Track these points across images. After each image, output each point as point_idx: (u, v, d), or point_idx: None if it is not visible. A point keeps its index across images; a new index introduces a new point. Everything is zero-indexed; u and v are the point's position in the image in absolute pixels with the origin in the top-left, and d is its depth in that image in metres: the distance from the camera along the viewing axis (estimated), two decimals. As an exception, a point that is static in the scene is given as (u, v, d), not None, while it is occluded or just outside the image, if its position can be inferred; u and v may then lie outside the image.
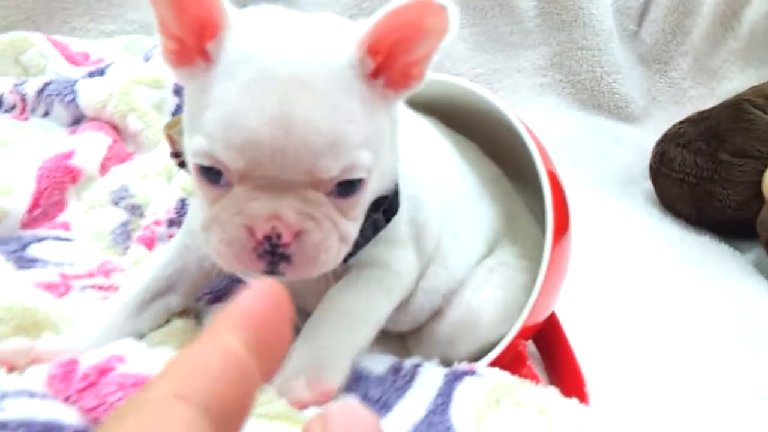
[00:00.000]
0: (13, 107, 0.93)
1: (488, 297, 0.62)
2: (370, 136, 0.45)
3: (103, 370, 0.49)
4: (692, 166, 0.98)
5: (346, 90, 0.44)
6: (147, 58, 1.01)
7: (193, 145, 0.44)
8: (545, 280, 0.60)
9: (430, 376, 0.55)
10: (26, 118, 0.92)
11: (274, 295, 0.25)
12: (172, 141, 0.57)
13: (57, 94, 0.91)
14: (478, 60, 1.32)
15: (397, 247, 0.57)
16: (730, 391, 0.70)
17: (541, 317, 0.65)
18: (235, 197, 0.44)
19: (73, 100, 0.90)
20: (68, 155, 0.79)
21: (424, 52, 0.45)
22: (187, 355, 0.23)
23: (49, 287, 0.64)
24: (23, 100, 0.92)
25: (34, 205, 0.73)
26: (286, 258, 0.44)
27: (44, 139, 0.85)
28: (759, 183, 0.94)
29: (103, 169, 0.83)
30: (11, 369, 0.51)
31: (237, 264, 0.45)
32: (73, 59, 1.02)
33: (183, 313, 0.63)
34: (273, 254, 0.44)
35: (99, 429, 0.21)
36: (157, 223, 0.75)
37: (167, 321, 0.61)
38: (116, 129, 0.89)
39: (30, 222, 0.73)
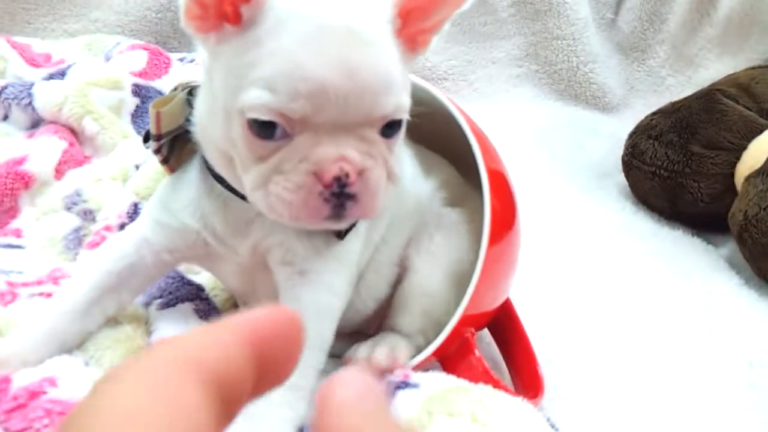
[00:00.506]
0: (-29, 111, 0.92)
1: (441, 238, 0.63)
2: (405, 81, 0.49)
3: (34, 393, 0.48)
4: (663, 159, 0.96)
5: (389, 40, 0.47)
6: (108, 58, 1.00)
7: (249, 100, 0.45)
8: (484, 271, 0.58)
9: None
10: (-15, 122, 0.91)
11: (288, 320, 0.24)
12: (159, 121, 0.54)
13: (14, 98, 0.89)
14: (452, 52, 1.30)
15: (341, 262, 0.57)
16: (693, 392, 0.69)
17: (486, 307, 0.64)
18: (297, 146, 0.45)
19: (30, 103, 0.88)
20: (20, 161, 0.78)
21: (437, 20, 0.50)
22: (197, 332, 0.22)
23: None
24: (-19, 103, 0.91)
25: (-17, 213, 0.72)
26: (351, 197, 0.46)
27: (2, 144, 0.84)
28: (731, 176, 0.92)
29: (59, 173, 0.82)
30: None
31: (304, 211, 0.46)
32: (33, 61, 1.00)
33: (133, 319, 0.62)
34: (339, 196, 0.46)
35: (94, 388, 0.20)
36: (107, 228, 0.73)
37: (118, 323, 0.60)
38: (74, 132, 0.88)
39: (-20, 230, 0.73)
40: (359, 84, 0.44)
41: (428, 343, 0.61)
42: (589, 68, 1.31)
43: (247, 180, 0.48)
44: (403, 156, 0.65)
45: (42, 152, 0.81)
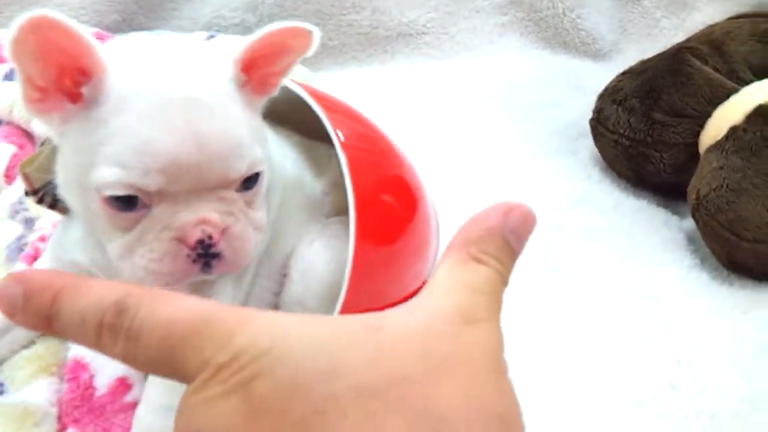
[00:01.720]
0: (-65, 114, 0.95)
1: (319, 249, 0.63)
2: (255, 134, 0.51)
3: None
4: (626, 127, 0.90)
5: (232, 100, 0.49)
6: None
7: (103, 178, 0.46)
8: (355, 273, 0.57)
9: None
10: (-55, 125, 0.94)
11: None
12: (29, 180, 0.57)
13: (-32, 101, 0.92)
14: (432, 4, 1.24)
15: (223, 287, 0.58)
16: (611, 392, 0.67)
17: (372, 303, 0.62)
18: (157, 216, 0.47)
19: (-16, 106, 0.91)
20: (-36, 173, 0.81)
21: (285, 66, 0.52)
22: None
23: None
24: (-57, 107, 0.94)
25: (-74, 231, 0.76)
26: (216, 257, 0.49)
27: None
28: (695, 145, 0.86)
29: (9, 178, 0.85)
30: None
31: (172, 276, 0.49)
32: (-7, 56, 1.02)
33: (48, 337, 0.65)
34: (205, 256, 0.48)
35: None
36: (41, 239, 0.76)
37: (33, 343, 0.64)
38: (28, 133, 0.90)
39: (-72, 244, 0.76)
40: (208, 153, 0.46)
41: None
42: (576, 13, 1.22)
43: (111, 249, 0.50)
44: (286, 159, 0.66)
45: (-13, 161, 0.84)
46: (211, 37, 1.13)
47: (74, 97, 0.46)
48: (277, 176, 0.62)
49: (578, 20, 1.23)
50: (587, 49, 1.24)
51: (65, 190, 0.52)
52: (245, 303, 0.62)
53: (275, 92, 0.54)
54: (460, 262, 0.33)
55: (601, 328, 0.74)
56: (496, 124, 1.10)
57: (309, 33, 0.50)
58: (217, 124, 0.47)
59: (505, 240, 0.34)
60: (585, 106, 1.04)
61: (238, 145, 0.48)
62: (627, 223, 0.89)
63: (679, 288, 0.78)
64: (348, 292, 0.58)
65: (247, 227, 0.50)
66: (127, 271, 0.49)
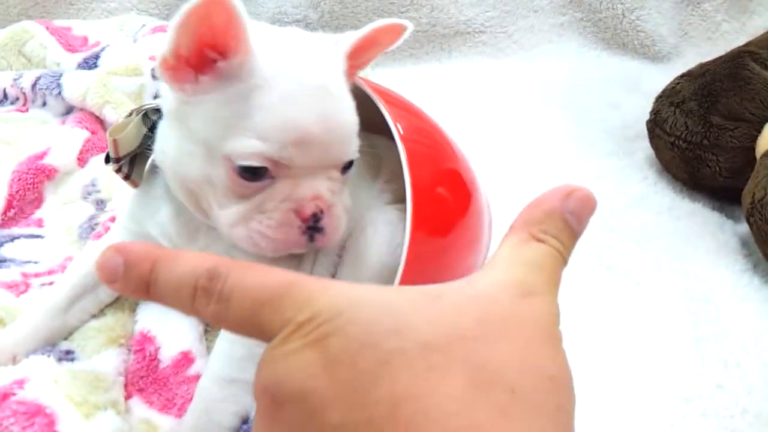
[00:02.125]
0: (17, 99, 1.01)
1: (374, 233, 0.65)
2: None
3: (5, 395, 0.55)
4: (683, 129, 0.90)
5: (346, 89, 0.55)
6: (135, 40, 1.05)
7: (241, 148, 0.51)
8: (410, 260, 0.58)
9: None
10: (27, 109, 1.01)
11: None
12: (117, 146, 0.60)
13: (47, 88, 0.97)
14: (490, 2, 1.25)
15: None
16: (659, 389, 0.68)
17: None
18: (280, 188, 0.52)
19: (60, 93, 0.96)
20: (42, 155, 0.86)
21: (368, 58, 0.58)
22: None
23: (10, 287, 0.71)
24: (23, 93, 1.00)
25: (8, 207, 0.81)
26: (321, 231, 0.54)
27: (33, 136, 0.92)
28: (752, 149, 0.85)
29: (82, 161, 0.90)
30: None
31: (283, 244, 0.53)
32: (69, 46, 1.07)
33: (117, 309, 0.69)
34: (313, 229, 0.53)
35: None
36: (112, 219, 0.80)
37: (102, 314, 0.68)
38: (99, 119, 0.95)
39: (6, 222, 0.81)
40: (333, 135, 0.52)
41: None
42: (636, 15, 1.22)
43: (223, 216, 0.54)
44: None
45: (63, 144, 0.88)
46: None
47: (206, 69, 0.50)
48: None
49: (638, 22, 1.22)
50: (646, 51, 1.24)
51: (176, 157, 0.55)
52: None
53: (353, 82, 0.57)
54: (521, 242, 0.35)
55: (652, 327, 0.75)
56: (552, 124, 1.10)
57: (404, 29, 0.56)
58: (341, 110, 0.53)
59: (565, 221, 0.36)
60: (642, 108, 1.04)
61: (353, 131, 0.54)
62: (681, 226, 0.89)
63: (730, 291, 0.78)
64: (402, 279, 0.60)
65: (341, 208, 0.55)
66: (238, 236, 0.54)
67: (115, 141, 0.59)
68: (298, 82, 0.51)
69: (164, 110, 0.56)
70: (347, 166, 0.55)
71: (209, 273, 0.35)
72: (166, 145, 0.56)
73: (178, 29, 0.48)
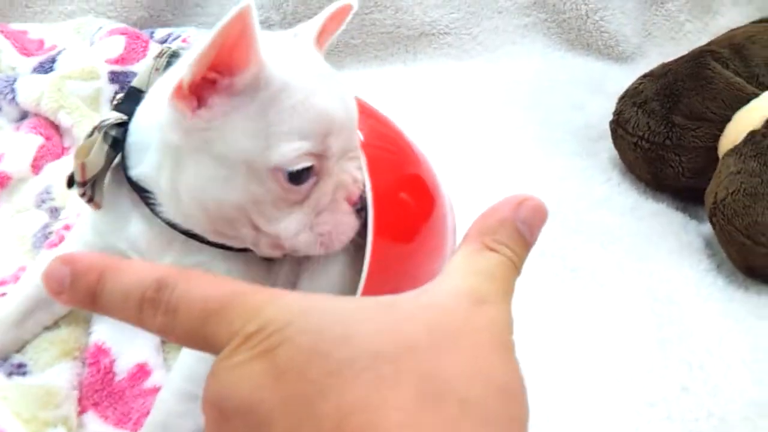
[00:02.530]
0: (-30, 105, 0.98)
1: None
2: None
3: None
4: (645, 129, 0.90)
5: None
6: (91, 43, 1.03)
7: (288, 153, 0.50)
8: (372, 267, 0.57)
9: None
10: (-19, 115, 0.97)
11: None
12: (83, 170, 0.57)
13: (0, 93, 0.94)
14: (454, 4, 1.24)
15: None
16: (622, 393, 0.68)
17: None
18: (325, 181, 0.53)
19: (14, 98, 0.93)
20: (-5, 162, 0.84)
21: (323, 45, 0.60)
22: None
23: None
24: (-24, 98, 0.97)
25: (-42, 216, 0.78)
26: (363, 209, 0.55)
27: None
28: (714, 149, 0.86)
29: (36, 168, 0.87)
30: None
31: (346, 234, 0.55)
32: (25, 50, 1.04)
33: (72, 321, 0.67)
34: (359, 210, 0.55)
35: None
36: (66, 227, 0.77)
37: (57, 326, 0.66)
38: (54, 125, 0.93)
39: (-40, 231, 0.79)
40: (352, 114, 0.55)
41: None
42: (599, 15, 1.22)
43: (283, 229, 0.54)
44: None
45: (16, 151, 0.86)
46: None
47: (207, 92, 0.49)
48: None
49: (601, 22, 1.23)
50: (610, 51, 1.24)
51: (209, 189, 0.52)
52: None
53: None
54: (474, 251, 0.35)
55: (616, 329, 0.75)
56: (516, 125, 1.10)
57: (350, 9, 0.59)
58: (347, 91, 0.55)
59: (517, 230, 0.36)
60: (606, 109, 1.04)
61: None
62: (645, 226, 0.89)
63: (694, 291, 0.78)
64: (365, 287, 0.59)
65: None
66: (306, 242, 0.54)
67: (82, 165, 0.56)
68: (315, 76, 0.53)
69: (161, 143, 0.53)
70: None
71: (157, 284, 0.34)
72: (172, 178, 0.53)
73: (207, 51, 0.46)
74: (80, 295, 0.36)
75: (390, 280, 0.64)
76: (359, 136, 0.56)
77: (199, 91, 0.49)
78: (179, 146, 0.52)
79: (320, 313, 0.32)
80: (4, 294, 0.70)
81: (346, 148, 0.54)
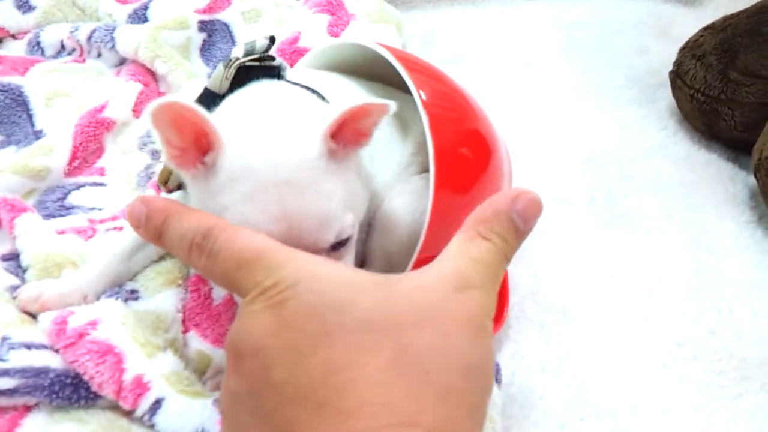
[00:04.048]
0: (73, 50, 1.09)
1: (401, 203, 0.71)
2: (347, 197, 0.56)
3: (80, 335, 0.63)
4: (702, 83, 0.93)
5: (321, 174, 0.54)
6: (180, -8, 1.11)
7: None
8: (433, 219, 0.64)
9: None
10: (84, 60, 1.08)
11: None
12: (167, 186, 0.68)
13: (101, 41, 1.04)
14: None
15: None
16: (654, 331, 0.75)
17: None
18: None
19: (113, 46, 1.03)
20: (101, 108, 0.94)
21: (369, 125, 0.56)
22: None
23: (79, 232, 0.79)
24: (80, 44, 1.07)
25: (73, 158, 0.89)
26: None
27: (91, 88, 1.00)
28: (767, 105, 0.88)
29: (137, 113, 0.97)
30: (27, 313, 0.68)
31: None
32: (120, -4, 1.14)
33: (175, 255, 0.78)
34: None
35: None
36: (167, 169, 0.88)
37: (162, 258, 0.75)
38: (151, 71, 1.02)
39: (72, 171, 0.89)
40: (298, 229, 0.52)
41: None
42: (670, -43, 1.21)
43: None
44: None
45: (119, 97, 0.96)
46: None
47: (203, 163, 0.52)
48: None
49: (671, -37, 1.22)
50: (679, -8, 1.24)
51: None
52: None
53: (368, 143, 0.58)
54: (468, 239, 0.40)
55: (655, 273, 0.81)
56: (581, 70, 1.14)
57: (386, 108, 0.53)
58: (306, 204, 0.52)
59: (511, 220, 0.40)
60: (670, 54, 1.06)
61: (326, 219, 0.53)
62: (696, 176, 0.93)
63: (732, 243, 0.83)
64: (426, 236, 0.66)
65: None
66: None
67: (166, 185, 0.67)
68: (257, 181, 0.52)
69: None
70: (338, 244, 0.55)
71: (206, 231, 0.42)
72: None
73: (156, 127, 0.49)
74: (150, 232, 0.45)
75: (450, 227, 0.71)
76: (327, 243, 0.54)
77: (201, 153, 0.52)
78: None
79: (327, 279, 0.37)
80: (121, 228, 0.80)
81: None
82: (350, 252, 0.59)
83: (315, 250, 0.53)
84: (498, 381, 0.66)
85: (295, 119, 0.58)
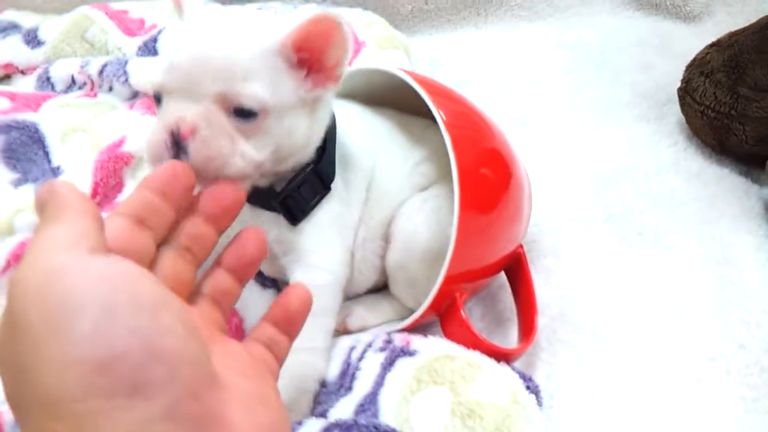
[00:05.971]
0: (84, 84, 1.09)
1: (422, 221, 0.72)
2: (271, 89, 0.58)
3: None
4: (711, 99, 0.95)
5: (262, 58, 0.58)
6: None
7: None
8: (460, 238, 0.66)
9: (370, 367, 0.66)
10: (95, 94, 1.08)
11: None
12: None
13: (114, 75, 1.05)
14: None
15: (326, 243, 0.69)
16: (685, 348, 0.76)
17: (474, 265, 0.72)
18: (162, 109, 0.58)
19: (126, 80, 1.04)
20: (119, 143, 0.94)
21: (335, 61, 0.60)
22: None
23: None
24: (90, 78, 1.07)
25: (94, 194, 0.89)
26: (184, 150, 0.55)
27: (106, 122, 1.00)
28: (778, 119, 0.91)
29: (153, 145, 0.98)
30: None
31: (155, 156, 0.57)
32: (128, 30, 1.14)
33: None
34: (177, 147, 0.56)
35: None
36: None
37: None
38: (164, 103, 1.03)
39: (93, 207, 0.90)
40: (200, 64, 0.56)
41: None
42: (668, -25, 1.24)
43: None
44: (380, 137, 0.76)
45: (136, 132, 0.96)
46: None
47: None
48: (365, 153, 0.73)
49: (670, -18, 1.25)
50: (678, 11, 1.27)
51: None
52: (355, 262, 0.74)
53: (337, 87, 0.62)
54: None
55: (680, 289, 0.82)
56: (586, 87, 1.16)
57: (339, 23, 0.57)
58: (213, 47, 0.56)
59: None
60: (674, 70, 1.08)
61: (226, 67, 0.56)
62: (709, 191, 0.95)
63: (753, 256, 0.85)
64: (453, 255, 0.67)
65: (220, 140, 0.56)
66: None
67: None
68: (189, 30, 0.58)
69: None
70: (241, 113, 0.57)
71: None
72: None
73: None
74: None
75: (475, 246, 0.72)
76: (216, 89, 0.56)
77: None
78: None
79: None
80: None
81: (189, 92, 0.56)
82: (259, 135, 0.59)
83: (207, 94, 0.56)
84: (539, 404, 0.67)
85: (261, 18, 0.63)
